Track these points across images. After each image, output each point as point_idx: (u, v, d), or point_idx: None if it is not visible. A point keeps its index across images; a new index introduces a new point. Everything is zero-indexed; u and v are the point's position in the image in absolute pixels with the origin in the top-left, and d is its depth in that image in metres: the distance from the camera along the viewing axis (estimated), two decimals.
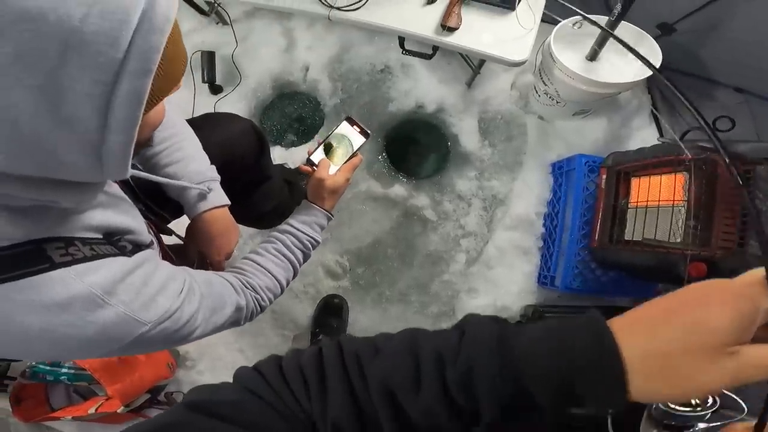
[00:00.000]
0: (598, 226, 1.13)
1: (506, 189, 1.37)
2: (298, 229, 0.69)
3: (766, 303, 0.23)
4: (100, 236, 0.44)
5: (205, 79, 1.24)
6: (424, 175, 1.40)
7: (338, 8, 0.97)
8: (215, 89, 1.32)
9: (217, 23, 1.34)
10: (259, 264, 0.66)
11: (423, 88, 1.36)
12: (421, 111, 1.39)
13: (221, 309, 0.56)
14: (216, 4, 1.12)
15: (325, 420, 0.29)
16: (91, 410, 1.05)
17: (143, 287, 0.44)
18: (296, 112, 1.40)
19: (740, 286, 0.24)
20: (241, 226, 0.82)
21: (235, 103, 1.33)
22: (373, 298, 1.35)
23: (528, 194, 1.34)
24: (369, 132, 0.74)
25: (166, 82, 0.38)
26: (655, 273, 1.01)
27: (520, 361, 0.26)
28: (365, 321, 1.34)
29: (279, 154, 1.34)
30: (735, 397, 0.42)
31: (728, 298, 0.23)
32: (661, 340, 0.23)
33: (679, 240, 0.94)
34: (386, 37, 1.13)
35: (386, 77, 1.39)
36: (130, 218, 0.50)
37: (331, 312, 1.26)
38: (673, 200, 0.92)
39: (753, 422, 0.26)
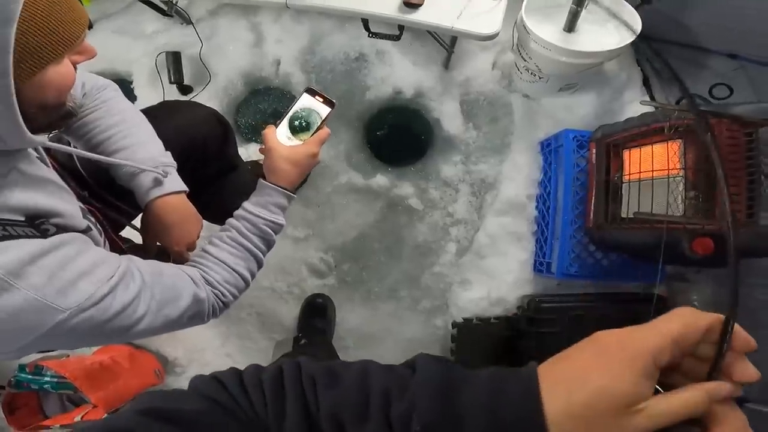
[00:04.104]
0: (592, 205, 1.06)
1: (495, 172, 1.30)
2: (252, 213, 0.63)
3: (666, 359, 0.25)
4: (21, 218, 0.43)
5: (172, 79, 1.21)
6: (407, 163, 1.34)
7: None
8: (184, 89, 1.28)
9: (182, 24, 1.30)
10: (214, 256, 0.61)
11: (400, 74, 1.30)
12: (399, 97, 1.33)
13: (175, 301, 0.53)
14: (174, 4, 1.08)
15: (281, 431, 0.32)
16: (77, 418, 1.04)
17: (59, 270, 0.41)
18: (270, 107, 1.36)
19: (645, 345, 0.26)
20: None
21: (206, 102, 1.28)
22: (361, 295, 1.30)
23: (518, 176, 1.27)
24: (334, 101, 0.68)
25: (49, 38, 0.40)
26: (657, 252, 0.93)
27: (460, 409, 0.27)
28: (355, 320, 1.28)
29: (254, 151, 1.30)
30: None
31: (630, 360, 0.25)
32: (576, 404, 0.25)
33: (679, 214, 0.86)
34: (357, 23, 1.08)
35: (361, 65, 1.34)
36: (60, 201, 0.48)
37: (315, 313, 1.22)
38: (668, 170, 0.84)
39: None
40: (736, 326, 0.26)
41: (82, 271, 0.43)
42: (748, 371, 0.26)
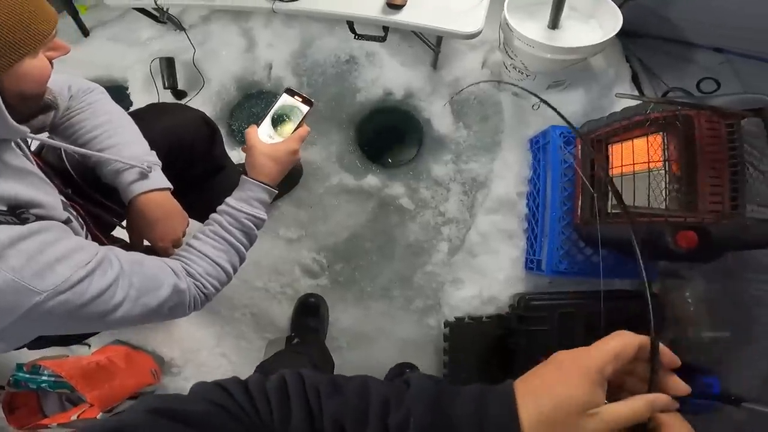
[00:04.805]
0: (579, 201, 1.06)
1: (486, 170, 1.30)
2: (234, 207, 0.65)
3: (610, 371, 0.31)
4: (4, 208, 0.45)
5: (166, 85, 1.23)
6: (399, 164, 1.35)
7: (281, 0, 0.95)
8: (178, 94, 1.31)
9: (175, 30, 1.33)
10: (196, 249, 0.63)
11: (389, 75, 1.32)
12: (390, 98, 1.34)
13: (154, 290, 0.54)
14: (165, 11, 1.11)
15: None
16: (74, 417, 1.05)
17: (38, 254, 0.43)
18: (263, 111, 1.38)
19: (592, 360, 0.32)
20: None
21: (200, 107, 1.30)
22: (354, 295, 1.31)
23: (508, 174, 1.28)
24: (312, 100, 0.71)
25: (23, 34, 0.44)
26: (643, 247, 0.93)
27: (451, 419, 0.32)
28: (347, 320, 1.29)
29: None
30: None
31: (582, 373, 0.31)
32: (544, 412, 0.30)
33: (662, 207, 0.86)
34: (346, 26, 1.10)
35: (352, 67, 1.36)
36: (41, 193, 0.50)
37: (307, 312, 1.23)
38: (649, 163, 0.84)
39: None
40: (662, 346, 0.33)
41: (59, 255, 0.45)
42: (679, 387, 0.33)
